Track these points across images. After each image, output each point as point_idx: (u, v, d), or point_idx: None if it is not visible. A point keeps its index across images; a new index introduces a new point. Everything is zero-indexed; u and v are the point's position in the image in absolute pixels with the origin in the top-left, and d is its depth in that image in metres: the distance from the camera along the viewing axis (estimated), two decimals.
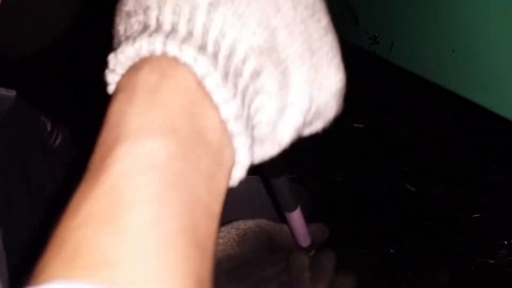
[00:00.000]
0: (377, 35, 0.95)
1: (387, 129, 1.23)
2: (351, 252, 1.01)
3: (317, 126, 0.37)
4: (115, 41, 0.33)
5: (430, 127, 1.19)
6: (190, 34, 0.29)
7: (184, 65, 0.29)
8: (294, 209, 0.49)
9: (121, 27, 0.32)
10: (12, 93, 0.55)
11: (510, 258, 0.93)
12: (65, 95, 1.32)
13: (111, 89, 0.30)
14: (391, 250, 1.02)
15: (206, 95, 0.29)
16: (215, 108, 0.29)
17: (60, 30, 0.59)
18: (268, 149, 0.34)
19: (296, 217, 0.49)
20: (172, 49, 0.28)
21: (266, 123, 0.33)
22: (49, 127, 0.63)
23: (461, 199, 1.07)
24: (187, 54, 0.28)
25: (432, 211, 1.07)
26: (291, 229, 0.50)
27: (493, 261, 0.95)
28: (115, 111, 0.28)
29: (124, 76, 0.30)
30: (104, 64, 0.31)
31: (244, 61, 0.31)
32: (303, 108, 0.34)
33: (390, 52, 0.93)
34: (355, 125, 1.23)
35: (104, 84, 0.31)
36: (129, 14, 0.32)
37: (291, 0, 0.33)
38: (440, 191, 1.10)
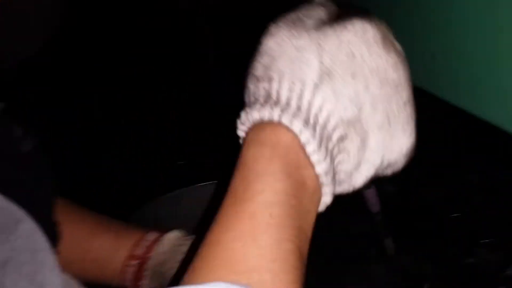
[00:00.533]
0: None
1: None
2: (335, 253, 1.02)
3: (387, 173, 0.47)
4: (246, 96, 0.45)
5: None
6: (298, 108, 0.40)
7: (293, 132, 0.40)
8: (370, 187, 0.64)
9: (251, 87, 0.44)
10: (1, 105, 0.54)
11: (489, 257, 0.95)
12: (36, 101, 1.29)
13: (240, 134, 0.44)
14: (372, 252, 1.03)
15: (306, 155, 0.40)
16: (312, 165, 0.40)
17: (44, 40, 0.58)
18: (345, 189, 0.45)
19: (371, 193, 0.65)
20: (286, 121, 0.40)
21: (345, 173, 0.43)
22: (19, 133, 0.62)
23: (440, 199, 1.08)
24: (296, 126, 0.40)
25: (411, 211, 1.08)
26: (366, 199, 0.66)
27: (471, 260, 0.96)
28: (251, 157, 0.41)
29: (251, 130, 0.42)
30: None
31: (334, 130, 0.41)
32: (376, 164, 0.44)
33: None
34: None
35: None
36: (258, 79, 0.43)
37: (379, 80, 0.42)
38: (419, 191, 1.11)
